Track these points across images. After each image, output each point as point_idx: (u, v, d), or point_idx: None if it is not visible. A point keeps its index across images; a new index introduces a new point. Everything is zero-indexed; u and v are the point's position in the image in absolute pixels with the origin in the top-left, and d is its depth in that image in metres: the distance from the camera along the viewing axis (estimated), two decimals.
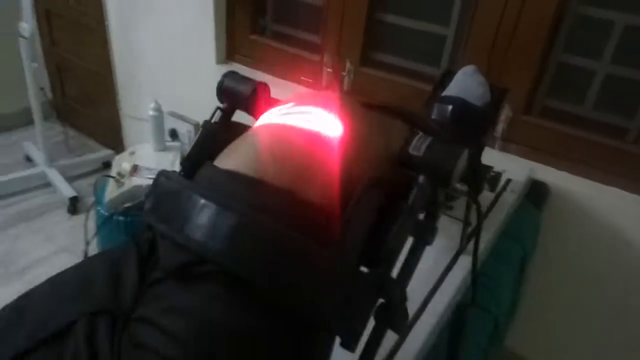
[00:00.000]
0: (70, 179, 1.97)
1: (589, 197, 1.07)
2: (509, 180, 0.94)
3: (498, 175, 0.70)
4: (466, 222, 0.71)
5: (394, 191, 0.41)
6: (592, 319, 1.15)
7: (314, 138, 0.37)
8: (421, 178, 0.38)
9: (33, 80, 1.87)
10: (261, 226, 0.34)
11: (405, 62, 1.31)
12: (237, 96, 0.45)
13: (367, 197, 0.37)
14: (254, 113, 0.46)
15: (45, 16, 2.29)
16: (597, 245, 1.08)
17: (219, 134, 0.43)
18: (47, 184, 1.99)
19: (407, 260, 0.46)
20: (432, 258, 0.72)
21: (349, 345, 0.37)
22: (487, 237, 0.80)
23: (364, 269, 0.38)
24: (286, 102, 0.41)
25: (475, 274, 0.48)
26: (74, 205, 1.86)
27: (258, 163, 0.37)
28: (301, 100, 0.41)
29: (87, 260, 0.49)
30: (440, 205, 0.43)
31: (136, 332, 0.36)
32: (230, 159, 0.38)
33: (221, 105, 0.46)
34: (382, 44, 1.34)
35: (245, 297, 0.34)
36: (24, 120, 2.16)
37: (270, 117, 0.40)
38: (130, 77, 1.97)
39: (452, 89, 0.77)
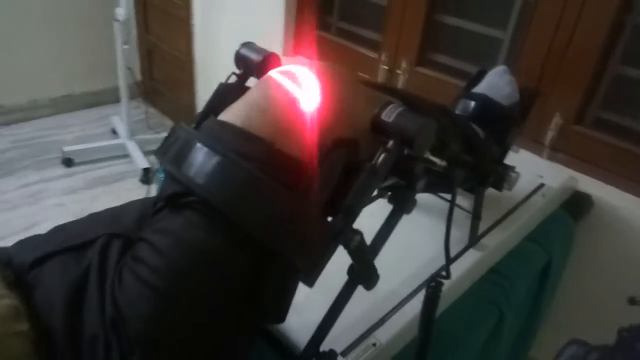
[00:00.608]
0: (146, 153, 2.17)
1: (636, 216, 1.02)
2: (541, 185, 0.94)
3: (505, 173, 0.71)
4: (475, 216, 0.73)
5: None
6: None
7: (299, 98, 0.43)
8: (390, 143, 0.42)
9: (123, 61, 2.09)
10: (237, 167, 0.40)
11: (460, 64, 1.32)
12: (250, 63, 0.51)
13: (335, 154, 0.42)
14: None
15: (142, 5, 2.53)
16: (638, 266, 1.03)
17: (229, 93, 0.50)
18: (126, 155, 2.21)
19: (384, 224, 0.50)
20: (438, 251, 0.74)
21: (307, 280, 0.42)
22: (504, 234, 0.81)
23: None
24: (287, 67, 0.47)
25: (448, 248, 0.51)
26: (146, 176, 2.06)
27: (246, 116, 0.43)
28: (299, 66, 0.46)
29: (127, 203, 0.58)
30: (417, 177, 0.47)
31: (136, 248, 0.44)
32: (228, 113, 0.45)
33: (236, 71, 0.52)
34: (439, 45, 1.36)
35: (218, 225, 0.40)
36: (114, 97, 2.40)
37: (266, 77, 0.46)
38: (207, 66, 2.14)
39: (481, 87, 0.78)
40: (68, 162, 2.13)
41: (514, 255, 0.85)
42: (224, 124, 0.43)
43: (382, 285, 0.68)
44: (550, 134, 1.14)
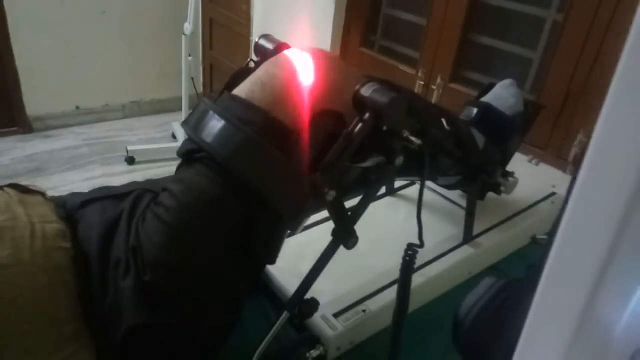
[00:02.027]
0: None
1: None
2: (552, 193, 0.97)
3: (498, 175, 0.77)
4: (469, 213, 0.78)
5: None
6: None
7: (295, 76, 0.52)
8: (366, 115, 0.50)
9: (187, 71, 2.29)
10: (237, 130, 0.50)
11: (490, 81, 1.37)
12: (265, 51, 0.62)
13: (320, 122, 0.50)
14: None
15: (209, 24, 2.75)
16: None
17: (246, 75, 0.60)
18: None
19: (364, 195, 0.57)
20: (434, 245, 0.79)
21: (290, 226, 0.51)
22: (503, 235, 0.85)
23: None
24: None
25: (420, 220, 0.57)
26: None
27: (251, 90, 0.53)
28: (300, 50, 0.56)
29: (164, 177, 0.70)
30: (395, 152, 0.54)
31: (159, 196, 0.54)
32: (238, 88, 0.55)
33: (254, 58, 0.63)
34: (472, 63, 1.42)
35: (220, 176, 0.50)
36: (178, 106, 2.61)
37: (271, 59, 0.56)
38: None
39: (487, 97, 0.85)
40: (131, 160, 2.35)
41: (518, 255, 0.88)
42: (233, 97, 0.54)
43: (378, 265, 0.76)
44: (574, 151, 1.16)
